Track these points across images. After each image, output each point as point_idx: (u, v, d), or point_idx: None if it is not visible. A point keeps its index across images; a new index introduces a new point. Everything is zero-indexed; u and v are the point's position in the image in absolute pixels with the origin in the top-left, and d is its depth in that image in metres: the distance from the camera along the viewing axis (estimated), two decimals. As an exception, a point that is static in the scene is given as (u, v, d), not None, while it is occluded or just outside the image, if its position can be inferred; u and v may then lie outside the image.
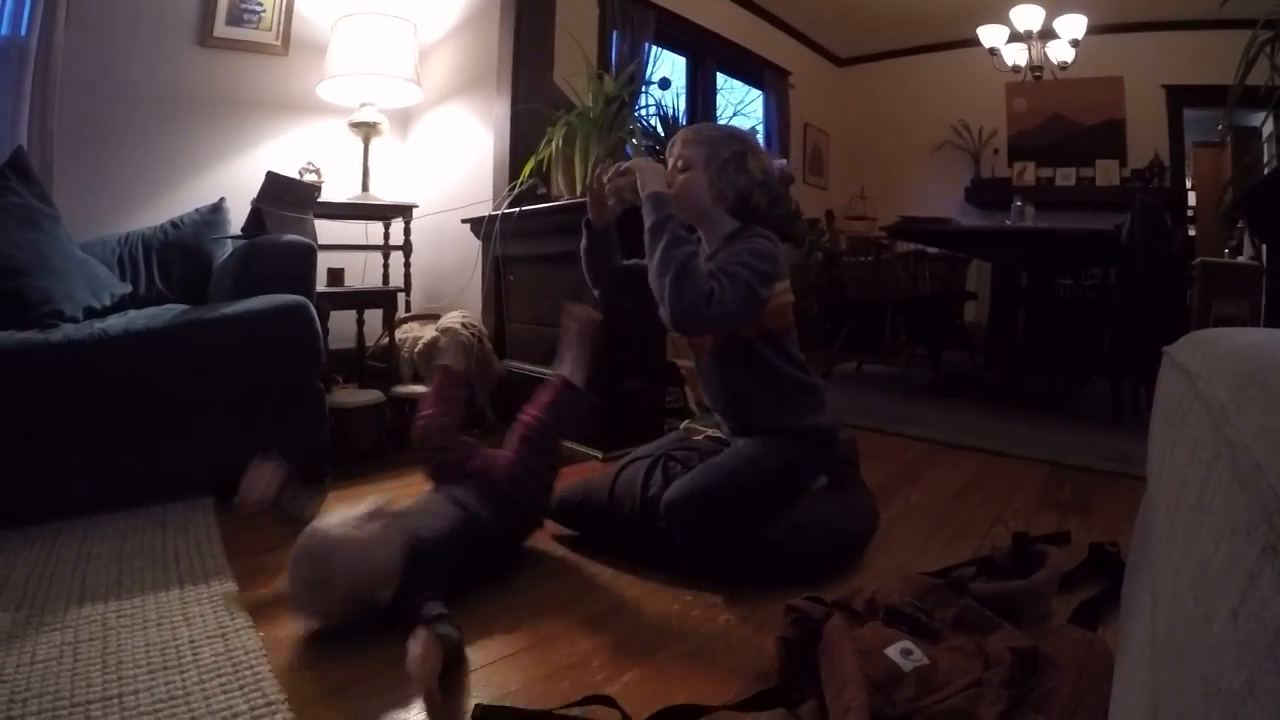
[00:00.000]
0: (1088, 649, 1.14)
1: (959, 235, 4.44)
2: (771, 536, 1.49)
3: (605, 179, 1.64)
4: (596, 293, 1.88)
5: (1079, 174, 5.85)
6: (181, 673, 1.16)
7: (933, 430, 2.89)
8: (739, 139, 1.68)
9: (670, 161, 1.69)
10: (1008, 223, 3.96)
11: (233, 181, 3.03)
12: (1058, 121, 5.94)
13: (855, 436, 1.93)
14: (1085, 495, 2.08)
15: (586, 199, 1.72)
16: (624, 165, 1.63)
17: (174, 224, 2.71)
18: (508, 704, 1.06)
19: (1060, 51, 4.92)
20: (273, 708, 1.06)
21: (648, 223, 1.52)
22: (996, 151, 6.21)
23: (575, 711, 1.04)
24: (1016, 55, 5.09)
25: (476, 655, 1.23)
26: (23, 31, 2.63)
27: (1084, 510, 1.95)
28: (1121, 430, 2.85)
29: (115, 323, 1.95)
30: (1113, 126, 5.73)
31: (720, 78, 5.38)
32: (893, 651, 1.09)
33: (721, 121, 5.05)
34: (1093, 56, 5.14)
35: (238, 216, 2.67)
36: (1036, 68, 5.05)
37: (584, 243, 1.79)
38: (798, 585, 1.32)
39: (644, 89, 3.22)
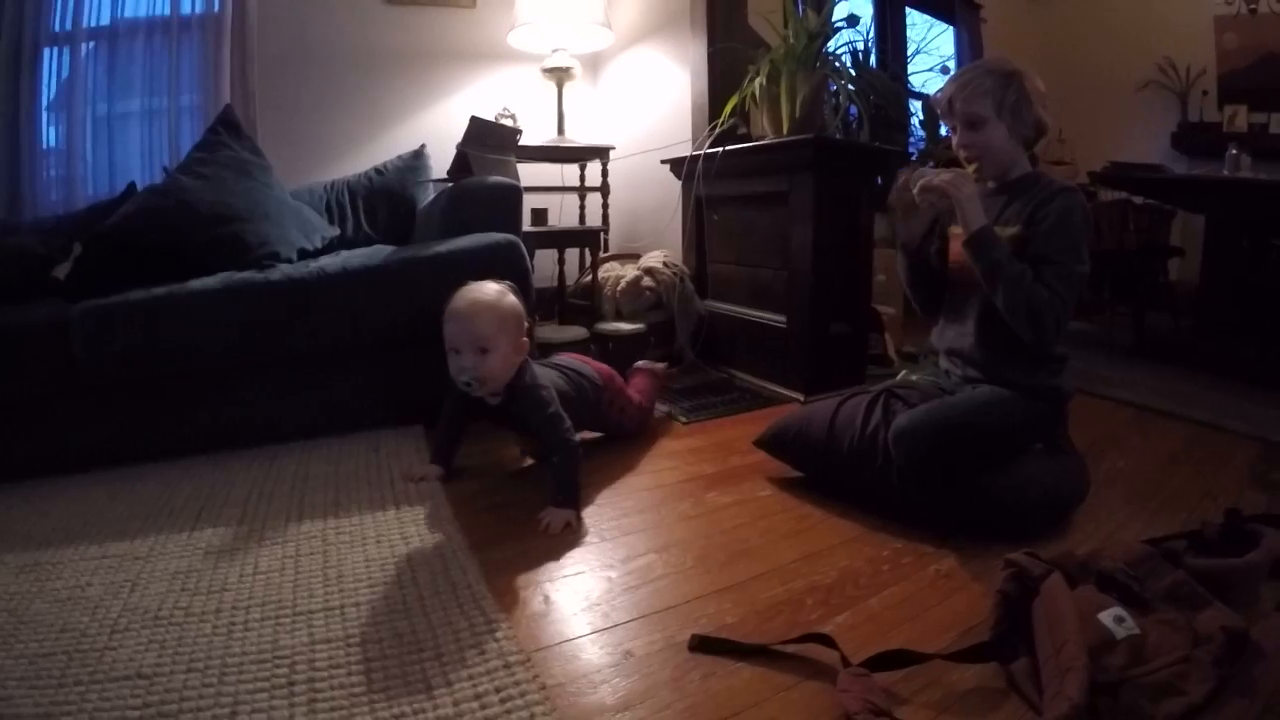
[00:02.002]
0: (1298, 640, 1.08)
1: (1177, 184, 4.02)
2: (993, 490, 1.46)
3: (915, 189, 1.59)
4: (924, 312, 1.86)
5: (1294, 122, 5.15)
6: (401, 588, 1.22)
7: (1137, 394, 2.73)
8: (1010, 73, 1.59)
9: (954, 124, 1.64)
10: (1225, 173, 3.58)
11: (430, 129, 3.19)
12: (1272, 61, 5.18)
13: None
14: (1299, 479, 1.89)
15: (891, 207, 1.69)
16: (938, 180, 1.55)
17: (378, 170, 2.88)
18: (724, 636, 1.10)
19: (1279, -19, 4.33)
20: (493, 625, 1.10)
21: (979, 265, 1.53)
22: (1206, 93, 5.50)
23: (791, 648, 1.07)
24: (1230, -18, 4.52)
25: (692, 586, 1.29)
26: (216, 7, 2.89)
27: (1297, 495, 1.78)
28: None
29: (330, 262, 2.09)
30: (1336, 72, 4.96)
31: (907, 13, 5.08)
32: (1105, 617, 1.07)
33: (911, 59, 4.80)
34: (1317, -11, 4.48)
35: (438, 162, 2.82)
36: (1252, -1, 4.47)
37: (904, 269, 1.79)
38: (1008, 543, 1.31)
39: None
